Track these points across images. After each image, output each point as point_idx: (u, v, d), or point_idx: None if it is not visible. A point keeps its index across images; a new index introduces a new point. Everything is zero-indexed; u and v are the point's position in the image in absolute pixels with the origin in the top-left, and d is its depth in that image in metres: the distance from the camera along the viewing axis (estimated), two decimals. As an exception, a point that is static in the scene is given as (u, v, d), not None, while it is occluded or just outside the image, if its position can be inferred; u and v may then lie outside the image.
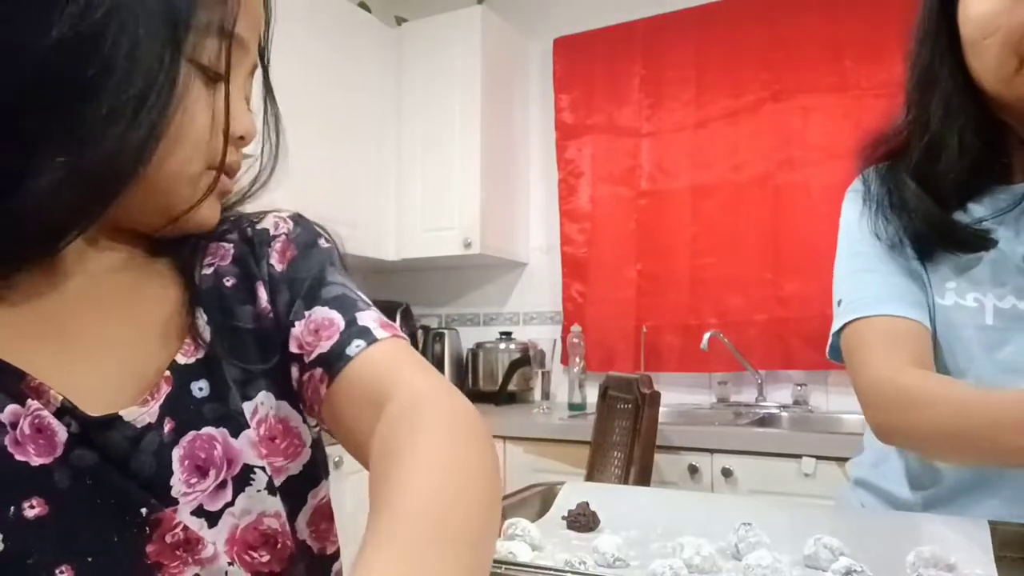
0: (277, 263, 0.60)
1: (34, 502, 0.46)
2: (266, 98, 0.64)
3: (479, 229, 2.69)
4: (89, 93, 0.45)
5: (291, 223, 0.63)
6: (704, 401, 2.60)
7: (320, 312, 0.56)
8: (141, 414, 0.51)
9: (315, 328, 0.56)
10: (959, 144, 0.82)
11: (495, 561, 0.64)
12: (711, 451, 2.01)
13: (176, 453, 0.52)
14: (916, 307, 0.85)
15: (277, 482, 0.56)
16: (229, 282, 0.58)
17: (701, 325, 2.52)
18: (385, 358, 0.54)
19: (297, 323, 0.56)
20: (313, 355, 0.55)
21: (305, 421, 0.59)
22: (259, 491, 0.54)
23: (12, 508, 0.46)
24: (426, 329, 3.00)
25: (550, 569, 0.62)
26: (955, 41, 0.82)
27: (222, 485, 0.53)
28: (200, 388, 0.54)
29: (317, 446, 0.61)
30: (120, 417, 0.50)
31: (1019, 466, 0.78)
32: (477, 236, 2.69)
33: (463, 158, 2.73)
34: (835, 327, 0.90)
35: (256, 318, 0.57)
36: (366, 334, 0.55)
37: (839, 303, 0.90)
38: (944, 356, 0.85)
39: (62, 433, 0.48)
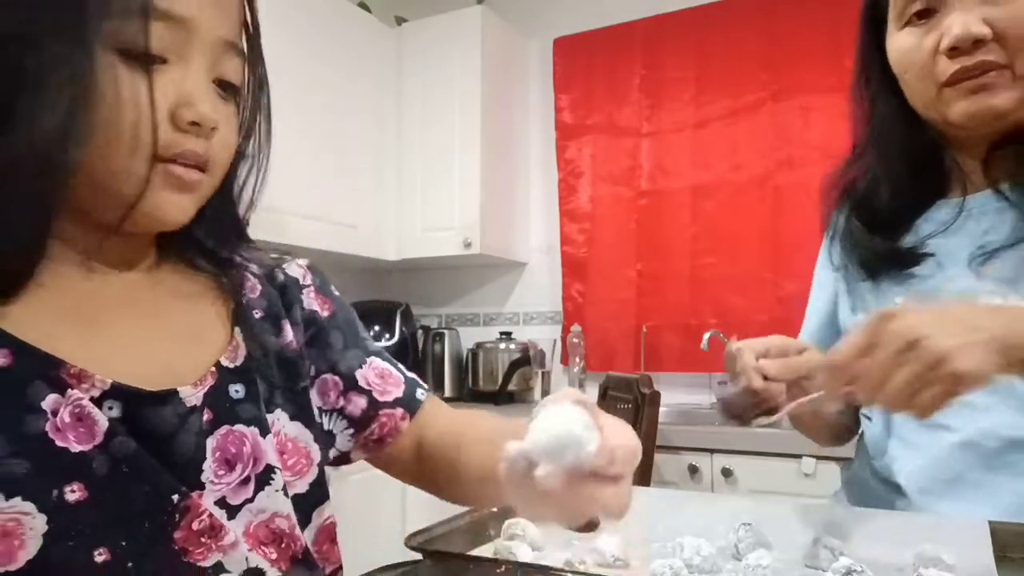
0: (320, 310, 0.70)
1: (75, 487, 0.48)
2: (251, 86, 0.60)
3: (479, 229, 2.69)
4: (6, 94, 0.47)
5: (312, 273, 0.72)
6: (704, 401, 2.59)
7: (378, 361, 0.72)
8: (193, 394, 0.56)
9: (379, 374, 0.71)
10: (896, 171, 0.92)
11: (495, 561, 0.64)
12: (711, 451, 2.01)
13: (210, 443, 0.56)
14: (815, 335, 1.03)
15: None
16: (257, 313, 0.64)
17: (701, 325, 2.51)
18: (440, 403, 0.75)
19: (363, 366, 0.70)
20: (390, 397, 0.70)
21: (316, 441, 0.64)
22: (276, 491, 0.59)
23: (55, 492, 0.48)
24: (426, 329, 3.00)
25: (550, 569, 0.62)
26: (888, 73, 0.90)
27: (245, 481, 0.57)
28: (236, 390, 0.59)
29: (324, 464, 0.66)
30: (176, 393, 0.55)
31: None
32: (477, 236, 2.69)
33: (463, 158, 2.73)
34: None
35: (280, 349, 0.64)
36: (421, 385, 0.74)
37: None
38: None
39: (103, 422, 0.50)
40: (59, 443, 0.48)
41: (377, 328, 2.82)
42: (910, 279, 0.89)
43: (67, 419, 0.49)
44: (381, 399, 0.70)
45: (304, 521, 0.62)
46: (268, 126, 0.64)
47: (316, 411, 0.66)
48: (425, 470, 0.71)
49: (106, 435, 0.50)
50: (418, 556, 0.65)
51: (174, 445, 0.53)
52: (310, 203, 2.43)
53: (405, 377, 0.73)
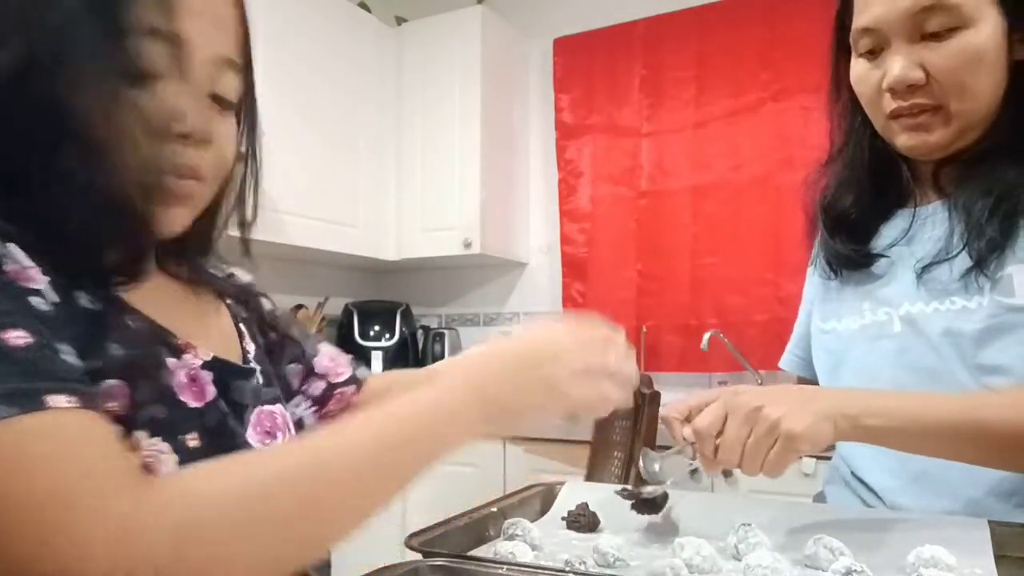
0: (274, 310, 0.78)
1: (193, 435, 0.55)
2: (243, 105, 0.62)
3: (479, 229, 2.69)
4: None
5: (254, 282, 0.79)
6: (704, 401, 2.59)
7: (326, 347, 0.82)
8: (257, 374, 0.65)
9: (331, 358, 0.81)
10: (860, 179, 0.98)
11: (495, 561, 0.64)
12: (711, 451, 2.01)
13: (251, 418, 0.63)
14: (805, 368, 1.08)
15: None
16: (242, 314, 0.72)
17: (701, 325, 2.52)
18: (379, 375, 0.87)
19: (318, 354, 0.80)
20: (342, 378, 0.81)
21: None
22: None
23: (182, 437, 0.55)
24: (426, 329, 3.00)
25: (550, 569, 0.62)
26: (844, 105, 0.97)
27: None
28: (257, 379, 0.66)
29: None
30: (255, 370, 0.65)
31: None
32: (477, 236, 2.69)
33: (463, 158, 2.73)
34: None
35: (264, 345, 0.73)
36: (362, 365, 0.85)
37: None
38: (864, 369, 0.94)
39: (210, 385, 0.58)
40: (180, 397, 0.56)
41: (377, 328, 2.82)
42: (867, 280, 0.96)
43: (183, 380, 0.56)
44: (335, 380, 0.80)
45: None
46: (255, 142, 0.67)
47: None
48: None
49: (215, 395, 0.58)
50: (418, 556, 0.66)
51: (244, 416, 0.62)
52: (310, 203, 2.43)
53: (349, 360, 0.84)
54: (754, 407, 0.73)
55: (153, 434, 0.53)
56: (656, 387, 1.95)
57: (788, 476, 2.14)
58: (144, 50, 0.52)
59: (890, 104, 0.87)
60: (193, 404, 0.56)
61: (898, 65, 0.84)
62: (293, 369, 0.78)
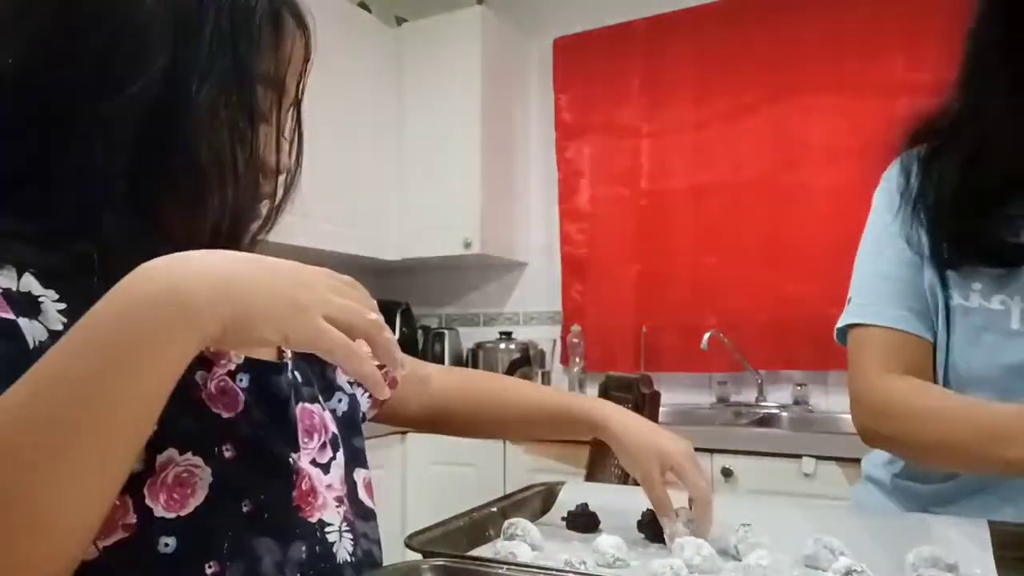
0: None
1: (228, 446, 0.57)
2: (296, 131, 0.68)
3: (479, 229, 2.69)
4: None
5: None
6: (704, 401, 2.59)
7: None
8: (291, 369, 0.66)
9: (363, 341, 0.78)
10: (1009, 147, 0.78)
11: (495, 561, 0.64)
12: (711, 451, 2.01)
13: (295, 412, 0.65)
14: (922, 320, 0.85)
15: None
16: None
17: (701, 325, 2.52)
18: (417, 361, 0.91)
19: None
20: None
21: (334, 417, 0.74)
22: (341, 457, 0.69)
23: (216, 448, 0.56)
24: (426, 329, 3.00)
25: (550, 569, 0.62)
26: (1018, 21, 0.77)
27: (323, 446, 0.67)
28: (292, 373, 0.67)
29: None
30: (287, 364, 0.65)
31: (1008, 476, 0.79)
32: (477, 236, 2.69)
33: (463, 158, 2.73)
34: (841, 322, 0.92)
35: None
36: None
37: (850, 299, 0.92)
38: (960, 359, 0.83)
39: (242, 394, 0.59)
40: (213, 409, 0.57)
41: (377, 328, 2.83)
42: (1015, 277, 0.79)
43: (214, 391, 0.58)
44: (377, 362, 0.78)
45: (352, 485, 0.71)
46: (298, 166, 0.73)
47: (346, 383, 0.77)
48: (438, 417, 0.89)
49: (245, 405, 0.59)
50: (418, 556, 0.66)
51: (288, 410, 0.63)
52: (310, 203, 2.41)
53: None
54: None
55: (184, 449, 0.54)
56: (656, 387, 1.95)
57: (788, 476, 2.14)
58: (261, 95, 0.59)
59: None
60: (225, 415, 0.58)
61: None
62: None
